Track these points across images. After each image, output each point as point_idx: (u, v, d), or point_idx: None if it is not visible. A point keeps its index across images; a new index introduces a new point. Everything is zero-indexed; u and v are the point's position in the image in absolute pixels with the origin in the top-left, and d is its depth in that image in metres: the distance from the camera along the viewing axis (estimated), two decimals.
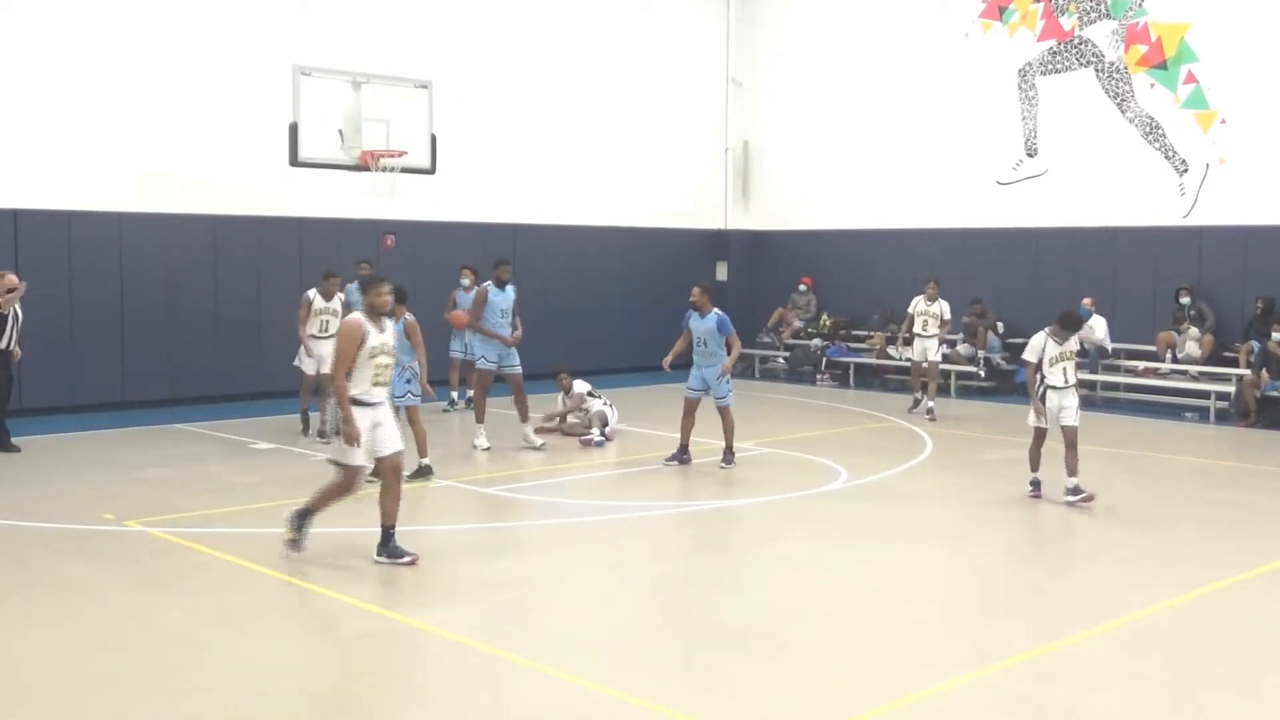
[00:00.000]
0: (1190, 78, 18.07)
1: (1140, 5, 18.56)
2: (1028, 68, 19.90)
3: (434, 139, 15.80)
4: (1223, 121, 17.79)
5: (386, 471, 8.67)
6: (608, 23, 21.66)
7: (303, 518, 8.75)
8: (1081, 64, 19.24)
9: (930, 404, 16.75)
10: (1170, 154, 18.33)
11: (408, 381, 11.33)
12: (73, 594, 8.01)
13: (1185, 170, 18.20)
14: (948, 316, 17.10)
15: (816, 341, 21.73)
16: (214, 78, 17.03)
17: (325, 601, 7.80)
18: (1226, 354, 17.39)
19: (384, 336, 8.52)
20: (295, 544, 8.70)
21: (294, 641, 7.08)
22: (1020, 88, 20.03)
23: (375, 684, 6.33)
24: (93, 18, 16.14)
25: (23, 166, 15.71)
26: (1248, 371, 16.47)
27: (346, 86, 15.14)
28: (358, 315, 8.50)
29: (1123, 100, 18.77)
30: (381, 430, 8.55)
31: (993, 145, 20.28)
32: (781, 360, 22.21)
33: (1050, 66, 19.62)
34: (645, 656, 6.79)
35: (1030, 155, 19.92)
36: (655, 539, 9.81)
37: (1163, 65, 18.35)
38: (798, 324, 22.26)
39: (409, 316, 11.26)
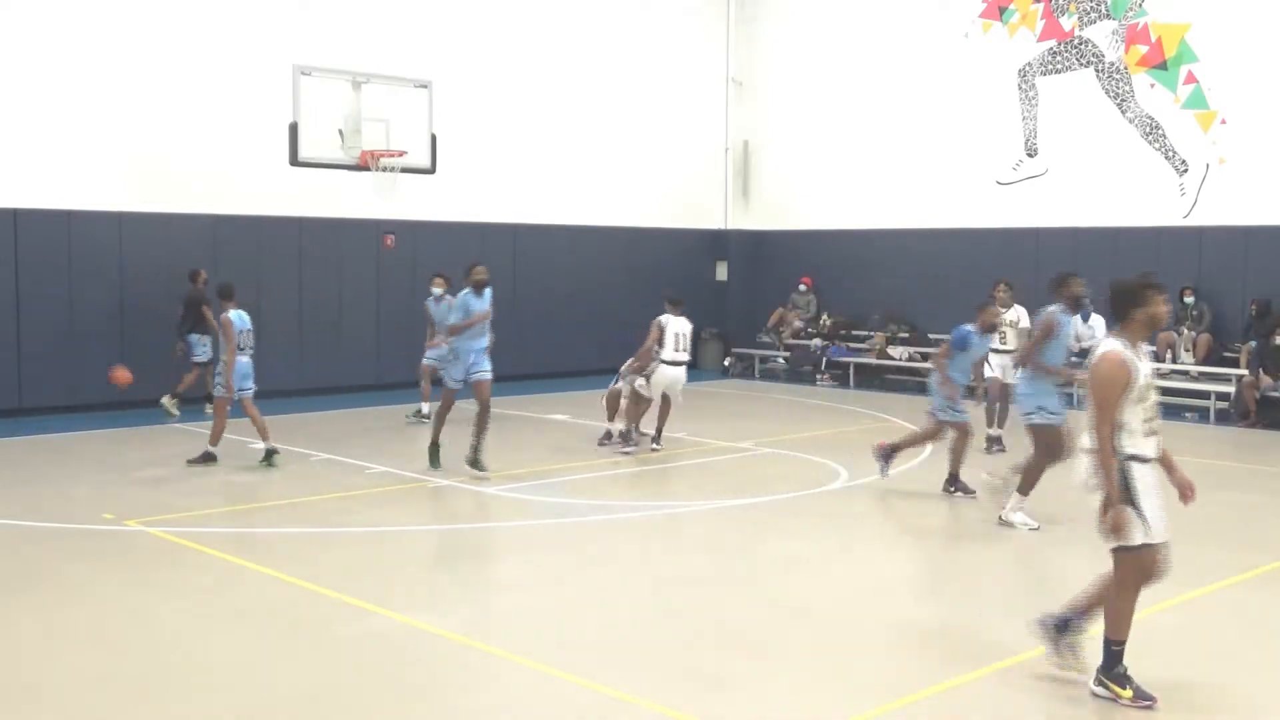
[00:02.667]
0: (1190, 78, 18.07)
1: (1140, 5, 18.56)
2: (1028, 68, 19.90)
3: (434, 139, 15.81)
4: (1223, 122, 17.79)
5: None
6: (608, 22, 21.66)
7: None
8: (1081, 64, 19.24)
9: (998, 432, 14.06)
10: (1170, 154, 18.33)
11: None
12: (72, 593, 8.00)
13: (1185, 170, 18.20)
14: (1026, 324, 13.94)
15: (816, 341, 21.73)
16: (214, 77, 17.01)
17: (324, 601, 7.77)
18: (1227, 354, 17.39)
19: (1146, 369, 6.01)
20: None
21: (293, 641, 7.06)
22: (1020, 88, 20.03)
23: (374, 684, 6.32)
24: (94, 18, 16.13)
25: (22, 166, 15.69)
26: (1247, 372, 16.47)
27: (346, 86, 15.16)
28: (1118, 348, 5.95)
29: (1123, 100, 18.77)
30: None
31: (993, 145, 20.28)
32: (781, 360, 22.21)
33: (1050, 67, 19.62)
34: (645, 656, 6.77)
35: (1030, 155, 19.92)
36: (655, 539, 9.80)
37: (1163, 65, 18.35)
38: (798, 324, 22.26)
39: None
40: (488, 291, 12.50)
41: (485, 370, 12.23)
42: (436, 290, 15.54)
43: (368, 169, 15.39)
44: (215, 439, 12.56)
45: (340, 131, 15.24)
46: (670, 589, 8.23)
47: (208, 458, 12.51)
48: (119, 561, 8.84)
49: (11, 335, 15.67)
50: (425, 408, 15.86)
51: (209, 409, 14.75)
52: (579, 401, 17.98)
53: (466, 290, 12.27)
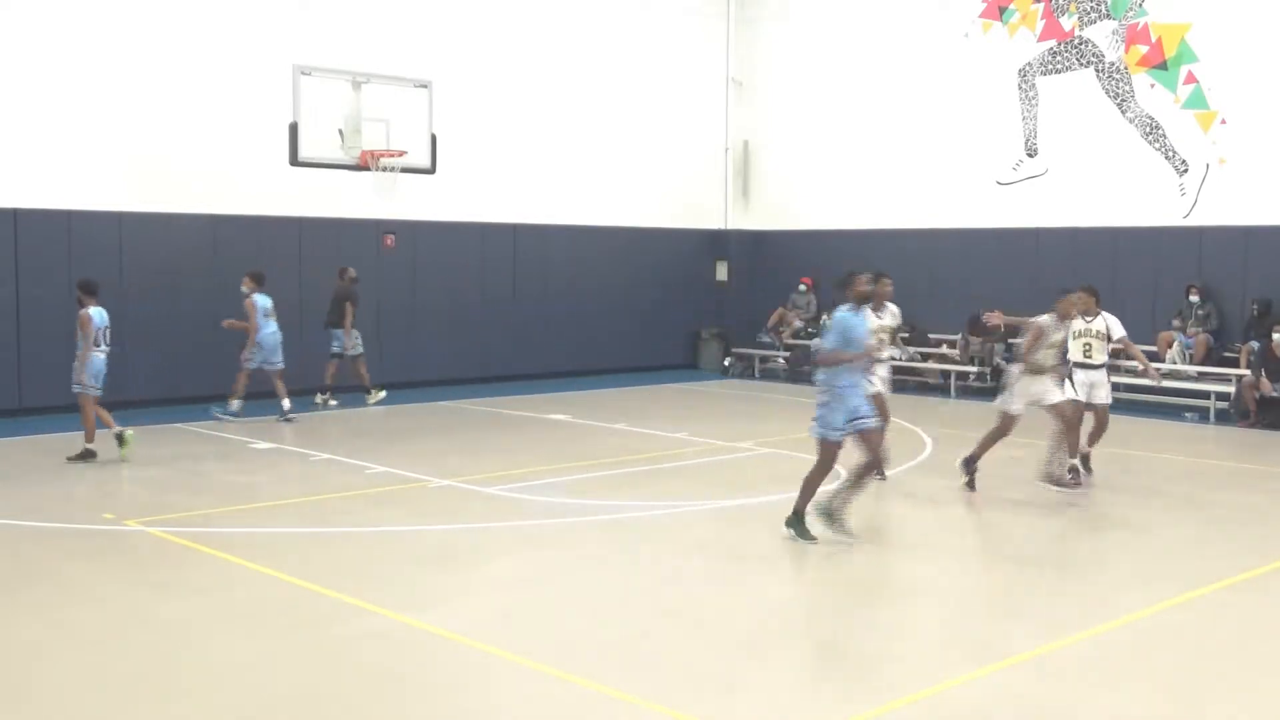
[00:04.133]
0: (1190, 78, 18.07)
1: (1140, 5, 18.56)
2: (1028, 68, 19.89)
3: (434, 139, 15.82)
4: (1223, 122, 17.79)
5: None
6: (608, 23, 21.66)
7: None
8: (1082, 64, 19.24)
9: (1087, 452, 12.16)
10: (1170, 154, 18.33)
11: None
12: (72, 593, 8.01)
13: (1185, 170, 18.20)
14: (1120, 333, 12.11)
15: (817, 341, 21.70)
16: (215, 77, 17.02)
17: (324, 601, 7.78)
18: (1227, 354, 17.39)
19: None
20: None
21: (294, 641, 7.05)
22: (1020, 88, 20.02)
23: (374, 684, 6.31)
24: (93, 17, 16.13)
25: (21, 166, 15.70)
26: (1247, 372, 16.47)
27: (346, 86, 15.17)
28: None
29: (1123, 100, 18.77)
30: None
31: (993, 145, 20.28)
32: (781, 360, 22.21)
33: (1050, 67, 19.62)
34: (646, 656, 6.77)
35: (1030, 155, 19.92)
36: (657, 539, 9.79)
37: (1163, 65, 18.35)
38: (798, 324, 22.26)
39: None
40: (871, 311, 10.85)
41: (869, 416, 9.38)
42: (244, 289, 15.74)
43: (368, 169, 15.40)
44: (90, 436, 12.68)
45: (340, 131, 15.25)
46: (671, 589, 8.23)
47: (87, 455, 12.61)
48: (119, 561, 8.85)
49: (11, 335, 15.67)
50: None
51: (372, 397, 17.11)
52: (576, 401, 18.02)
53: (846, 307, 9.34)
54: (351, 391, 17.44)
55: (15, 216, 15.69)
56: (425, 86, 15.81)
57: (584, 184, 21.48)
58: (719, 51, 23.48)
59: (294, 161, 14.93)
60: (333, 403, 17.16)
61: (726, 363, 22.67)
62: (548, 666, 6.52)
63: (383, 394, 17.41)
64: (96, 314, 12.65)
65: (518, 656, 6.69)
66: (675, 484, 11.93)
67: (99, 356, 12.68)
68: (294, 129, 14.65)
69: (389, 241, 19.03)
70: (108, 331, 12.75)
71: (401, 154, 15.48)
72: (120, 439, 12.72)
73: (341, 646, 6.94)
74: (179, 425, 15.17)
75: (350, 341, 17.16)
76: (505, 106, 20.21)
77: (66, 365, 15.81)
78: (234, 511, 10.46)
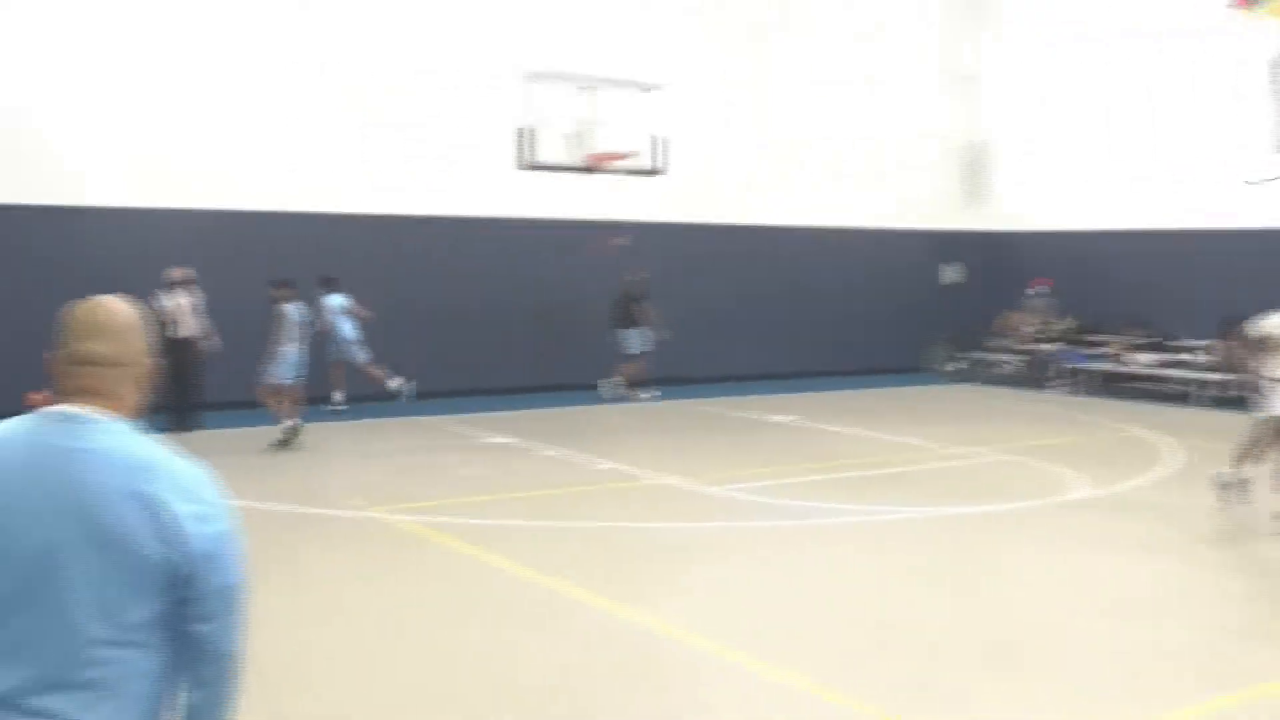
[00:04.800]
0: None
1: None
2: None
3: (661, 141, 15.95)
4: None
5: None
6: (834, 20, 21.40)
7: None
8: None
9: None
10: None
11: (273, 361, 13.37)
12: (316, 576, 8.42)
13: None
14: None
15: (1050, 346, 20.98)
16: (448, 84, 17.62)
17: (550, 593, 7.91)
18: None
19: None
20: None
21: (519, 631, 7.17)
22: (1273, 81, 18.82)
23: (596, 676, 6.40)
24: (341, 29, 16.94)
25: (272, 175, 16.58)
26: None
27: (575, 90, 15.44)
28: None
29: None
30: None
31: (1242, 142, 19.12)
32: (1013, 365, 21.52)
33: None
34: (867, 664, 6.66)
35: None
36: (881, 544, 9.63)
37: None
38: (1030, 328, 21.53)
39: None
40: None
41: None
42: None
43: (595, 171, 15.65)
44: (282, 419, 13.45)
45: (569, 135, 15.55)
46: (896, 596, 8.07)
47: (287, 437, 13.39)
48: (362, 546, 9.22)
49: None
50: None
51: (638, 395, 17.79)
52: (802, 403, 17.88)
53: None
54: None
55: (274, 220, 16.58)
56: (653, 89, 15.96)
57: (810, 185, 21.27)
58: (951, 46, 22.93)
59: (525, 165, 15.30)
60: (643, 395, 17.97)
61: (954, 367, 22.11)
62: (768, 666, 6.48)
63: (657, 392, 18.04)
64: (293, 310, 13.48)
65: (738, 655, 6.67)
66: (902, 490, 11.70)
67: (294, 350, 13.49)
68: (524, 133, 15.01)
69: (618, 242, 19.31)
70: (302, 327, 13.61)
71: (629, 156, 15.68)
72: (293, 432, 13.42)
73: (565, 639, 7.03)
74: (420, 419, 15.74)
75: (647, 339, 17.94)
76: (731, 108, 20.24)
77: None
78: (470, 503, 10.79)
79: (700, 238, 19.93)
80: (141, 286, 14.79)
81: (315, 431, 14.45)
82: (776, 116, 20.77)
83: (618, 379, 18.06)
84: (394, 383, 16.07)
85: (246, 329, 14.71)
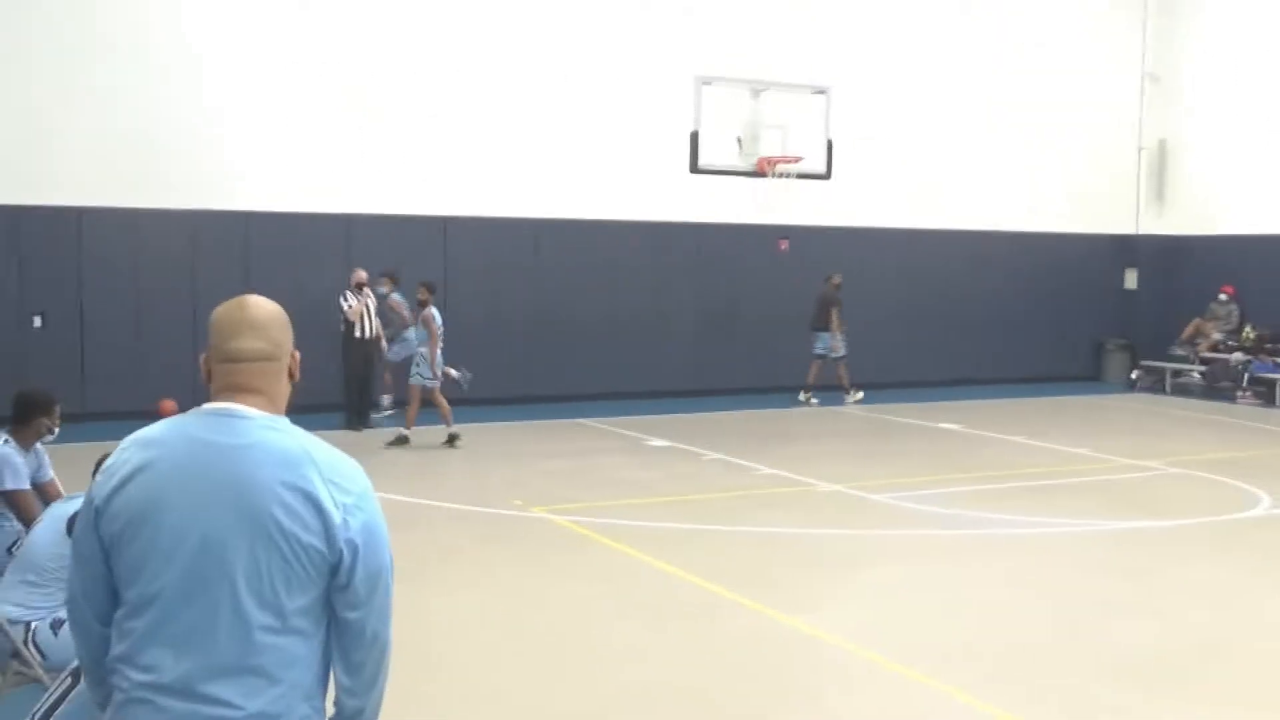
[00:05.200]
0: None
1: None
2: None
3: (830, 144, 15.83)
4: None
5: None
6: (1012, 19, 20.89)
7: None
8: None
9: None
10: None
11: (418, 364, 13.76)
12: (479, 573, 8.61)
13: None
14: None
15: (1238, 355, 20.06)
16: (620, 89, 17.83)
17: (708, 596, 7.93)
18: None
19: None
20: None
21: (676, 633, 7.23)
22: None
23: (752, 680, 6.40)
24: (510, 38, 17.30)
25: (451, 180, 17.02)
26: None
27: (745, 94, 15.46)
28: None
29: None
30: None
31: None
32: (1197, 375, 20.65)
33: None
34: (1037, 679, 6.50)
35: None
36: (1052, 557, 9.38)
37: None
38: (1216, 336, 20.62)
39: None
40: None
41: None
42: (382, 290, 15.77)
43: (764, 175, 15.63)
44: (410, 423, 13.82)
45: (739, 139, 15.57)
46: (1065, 610, 7.85)
47: (401, 440, 13.71)
48: (524, 545, 9.40)
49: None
50: (387, 400, 16.28)
51: (851, 397, 18.04)
52: (969, 410, 17.51)
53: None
54: (831, 391, 18.29)
55: (446, 224, 17.03)
56: (823, 92, 15.86)
57: (983, 187, 20.82)
58: (1134, 45, 22.13)
59: (694, 169, 15.38)
60: (814, 401, 18.02)
61: (1134, 375, 21.32)
62: (929, 678, 6.40)
63: (860, 395, 18.20)
64: (438, 312, 13.90)
65: (900, 666, 6.60)
66: (1072, 501, 11.37)
67: (439, 353, 13.84)
68: (694, 137, 15.09)
69: (783, 246, 19.25)
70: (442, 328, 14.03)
71: (798, 160, 15.61)
72: (452, 439, 13.75)
73: (721, 642, 7.06)
74: (581, 421, 15.97)
75: (835, 344, 18.02)
76: (901, 110, 19.94)
77: (489, 361, 17.16)
78: (629, 505, 10.88)
79: (866, 242, 19.69)
80: (314, 287, 15.54)
81: (472, 432, 14.80)
82: (947, 118, 20.37)
83: (851, 389, 18.27)
84: (455, 372, 15.87)
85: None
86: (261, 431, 2.65)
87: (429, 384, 13.84)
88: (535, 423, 15.84)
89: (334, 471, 2.64)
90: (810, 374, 18.16)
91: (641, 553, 9.04)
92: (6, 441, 6.60)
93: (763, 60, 17.54)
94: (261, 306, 2.77)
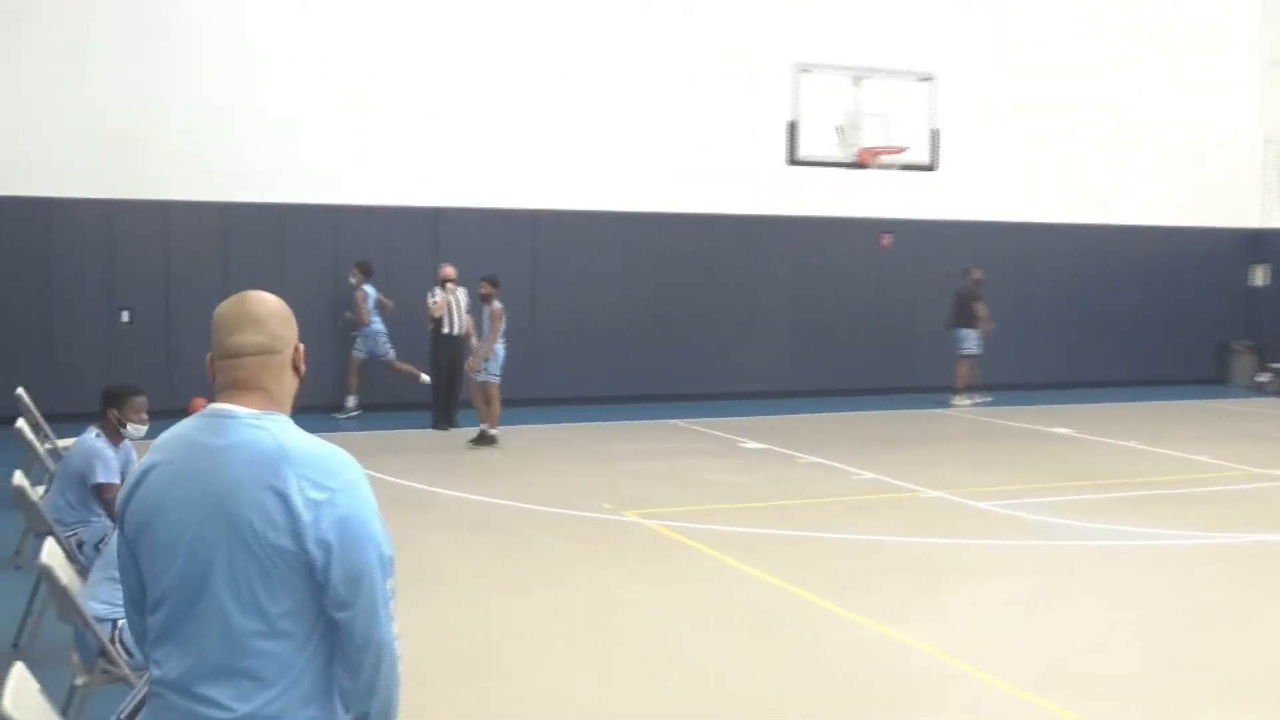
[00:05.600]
0: None
1: None
2: None
3: (935, 134, 15.21)
4: None
5: None
6: (1131, 6, 19.97)
7: None
8: None
9: None
10: None
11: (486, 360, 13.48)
12: (567, 576, 8.35)
13: None
14: None
15: None
16: (716, 78, 17.36)
17: (803, 604, 7.64)
18: None
19: None
20: None
21: (769, 641, 6.99)
22: None
23: (845, 691, 6.14)
24: (604, 27, 16.95)
25: (542, 173, 16.73)
26: None
27: (846, 82, 14.91)
28: None
29: None
30: None
31: None
32: None
33: None
34: (1141, 698, 6.08)
35: None
36: (1175, 571, 8.75)
37: None
38: None
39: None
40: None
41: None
42: (351, 280, 15.28)
43: (865, 167, 15.06)
44: (493, 422, 13.55)
45: (839, 129, 15.03)
46: (1186, 628, 7.29)
47: (484, 438, 13.45)
48: (614, 549, 9.12)
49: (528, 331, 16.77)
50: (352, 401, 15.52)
51: (956, 401, 17.50)
52: (1081, 414, 16.76)
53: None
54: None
55: (535, 218, 16.74)
56: (928, 80, 15.23)
57: (1095, 179, 19.93)
58: (1254, 30, 21.03)
59: (792, 160, 14.88)
60: (976, 400, 17.59)
61: (1261, 379, 20.23)
62: (1033, 695, 6.01)
63: (969, 401, 17.60)
64: (500, 307, 13.58)
65: (998, 680, 6.24)
66: (1188, 512, 10.67)
67: (502, 348, 13.59)
68: (793, 127, 14.59)
69: (885, 241, 18.61)
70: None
71: (901, 150, 15.02)
72: (485, 437, 13.46)
73: (816, 651, 6.79)
74: (673, 421, 15.58)
75: (971, 342, 17.59)
76: (1011, 99, 19.13)
77: (571, 360, 16.87)
78: (721, 509, 10.53)
79: (972, 236, 18.96)
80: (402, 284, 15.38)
81: (561, 433, 14.53)
82: (1058, 106, 19.49)
83: (966, 389, 17.74)
84: (426, 377, 15.16)
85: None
86: (243, 430, 2.62)
87: (493, 379, 13.52)
88: (626, 423, 15.50)
89: (310, 467, 2.57)
90: (959, 374, 17.64)
91: (733, 559, 8.71)
92: (98, 435, 6.91)
93: (865, 46, 16.96)
94: (262, 301, 2.75)
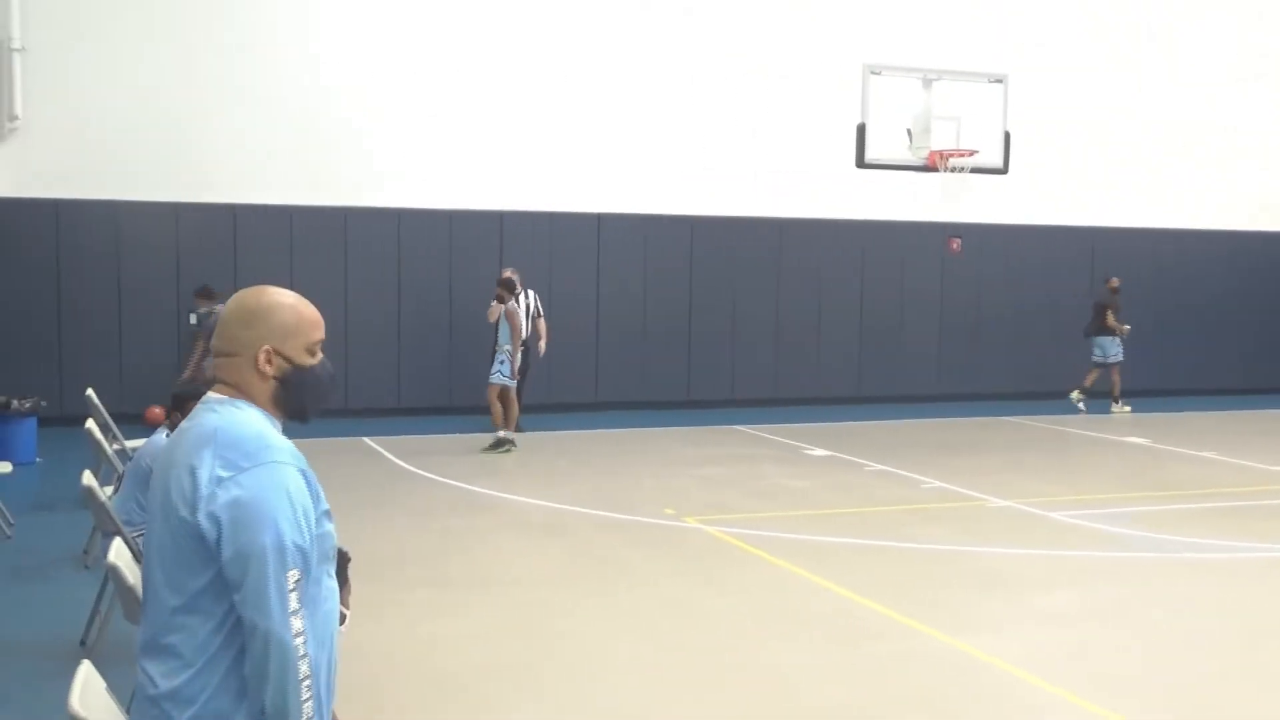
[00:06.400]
0: None
1: None
2: None
3: (1007, 137, 14.96)
4: None
5: None
6: (1190, 6, 19.46)
7: None
8: None
9: None
10: None
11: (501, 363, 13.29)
12: (632, 581, 8.28)
13: None
14: None
15: None
16: (783, 79, 17.19)
17: (870, 614, 7.48)
18: None
19: None
20: None
21: (835, 652, 6.86)
22: None
23: (914, 705, 6.00)
24: (666, 27, 16.85)
25: (606, 176, 16.65)
26: None
27: (916, 84, 14.69)
28: None
29: None
30: None
31: None
32: None
33: None
34: (1218, 715, 5.90)
35: None
36: (1241, 584, 8.49)
37: None
38: None
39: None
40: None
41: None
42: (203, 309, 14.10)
43: (935, 170, 14.83)
44: (511, 425, 13.46)
45: (909, 131, 14.81)
46: (1257, 643, 7.07)
47: (500, 443, 13.23)
48: (677, 555, 9.00)
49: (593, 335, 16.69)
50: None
51: (1116, 408, 17.46)
52: (1156, 423, 16.40)
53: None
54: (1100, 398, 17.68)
55: (599, 220, 16.67)
56: (1000, 81, 14.97)
57: (1171, 181, 19.44)
58: None
59: (860, 163, 14.68)
60: (1082, 406, 17.39)
61: None
62: (1100, 708, 5.86)
63: (1128, 408, 17.58)
64: (520, 309, 13.53)
65: (1072, 695, 6.08)
66: (1266, 524, 10.36)
67: (519, 352, 13.50)
68: (861, 130, 14.40)
69: (955, 245, 18.34)
70: (534, 323, 13.81)
71: (972, 153, 14.77)
72: (507, 443, 13.29)
73: (882, 663, 6.66)
74: (737, 426, 15.45)
75: (1114, 349, 17.55)
76: (1083, 100, 18.77)
77: (635, 363, 16.77)
78: (786, 517, 10.39)
79: (1045, 241, 18.63)
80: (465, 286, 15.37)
81: (623, 438, 14.44)
82: (1134, 108, 19.09)
83: (1117, 399, 17.69)
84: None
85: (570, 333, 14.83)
86: (201, 413, 2.72)
87: (509, 383, 13.40)
88: (688, 428, 15.38)
89: (230, 448, 2.61)
90: (1114, 383, 17.58)
91: (796, 566, 8.57)
92: (167, 435, 6.93)
93: (935, 48, 16.72)
94: (232, 303, 2.82)
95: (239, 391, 2.74)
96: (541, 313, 14.77)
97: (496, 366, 13.43)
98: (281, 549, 2.55)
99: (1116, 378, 17.61)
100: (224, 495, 2.55)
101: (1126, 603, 7.96)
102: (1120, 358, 17.57)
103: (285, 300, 2.80)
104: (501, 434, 13.34)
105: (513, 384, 13.45)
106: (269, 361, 2.74)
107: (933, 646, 6.90)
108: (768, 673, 6.47)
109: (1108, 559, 9.17)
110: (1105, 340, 17.50)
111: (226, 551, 2.54)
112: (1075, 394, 17.41)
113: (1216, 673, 6.56)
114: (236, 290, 2.97)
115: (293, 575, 2.56)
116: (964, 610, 7.67)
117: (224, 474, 2.57)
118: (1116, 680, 6.36)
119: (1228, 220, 19.80)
